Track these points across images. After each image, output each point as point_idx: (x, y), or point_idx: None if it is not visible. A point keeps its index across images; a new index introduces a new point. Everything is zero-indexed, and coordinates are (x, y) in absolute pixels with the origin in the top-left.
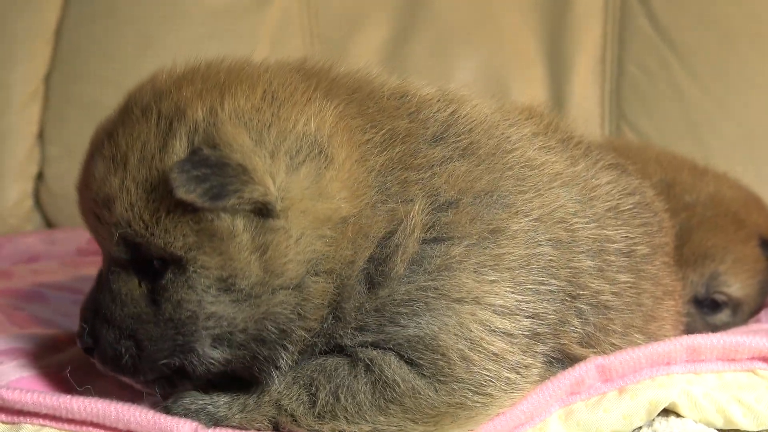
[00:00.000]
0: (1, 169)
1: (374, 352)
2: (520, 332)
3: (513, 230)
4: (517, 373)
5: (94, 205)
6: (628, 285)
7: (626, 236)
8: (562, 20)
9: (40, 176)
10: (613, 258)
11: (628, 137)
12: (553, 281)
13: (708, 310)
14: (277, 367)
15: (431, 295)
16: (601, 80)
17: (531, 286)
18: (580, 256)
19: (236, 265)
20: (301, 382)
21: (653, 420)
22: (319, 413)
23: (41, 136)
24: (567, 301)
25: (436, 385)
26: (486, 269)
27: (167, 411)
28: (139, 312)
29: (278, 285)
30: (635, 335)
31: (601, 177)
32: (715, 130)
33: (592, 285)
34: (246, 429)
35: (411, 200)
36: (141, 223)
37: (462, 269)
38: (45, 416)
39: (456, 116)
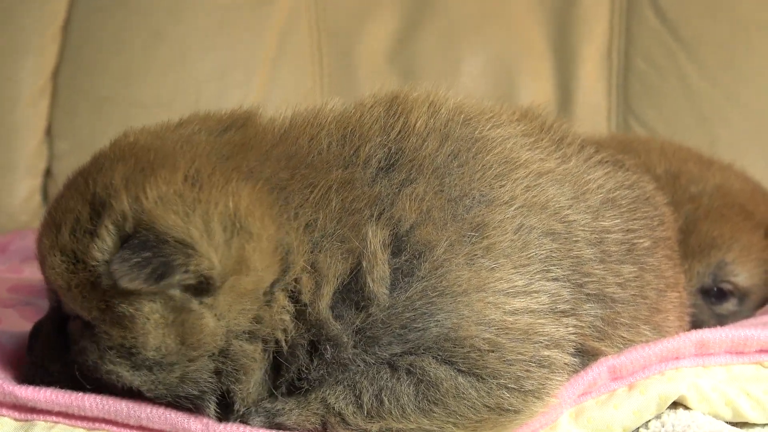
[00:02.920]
0: (10, 165)
1: (411, 357)
2: (542, 307)
3: (498, 220)
4: (555, 347)
5: (35, 252)
6: (633, 276)
7: (625, 228)
8: (568, 13)
9: (48, 172)
10: (613, 249)
11: (634, 131)
12: (557, 270)
13: (715, 300)
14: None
15: (432, 294)
16: (608, 73)
17: (536, 272)
18: (579, 245)
19: (140, 339)
20: (346, 383)
21: (662, 413)
22: (367, 414)
23: (50, 131)
24: (575, 289)
25: (476, 383)
26: (479, 258)
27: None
28: (51, 349)
29: (196, 356)
30: (641, 327)
31: (595, 172)
32: (723, 122)
33: (596, 272)
34: (296, 428)
35: (364, 238)
36: (58, 285)
37: (453, 263)
38: (58, 413)
39: (406, 131)
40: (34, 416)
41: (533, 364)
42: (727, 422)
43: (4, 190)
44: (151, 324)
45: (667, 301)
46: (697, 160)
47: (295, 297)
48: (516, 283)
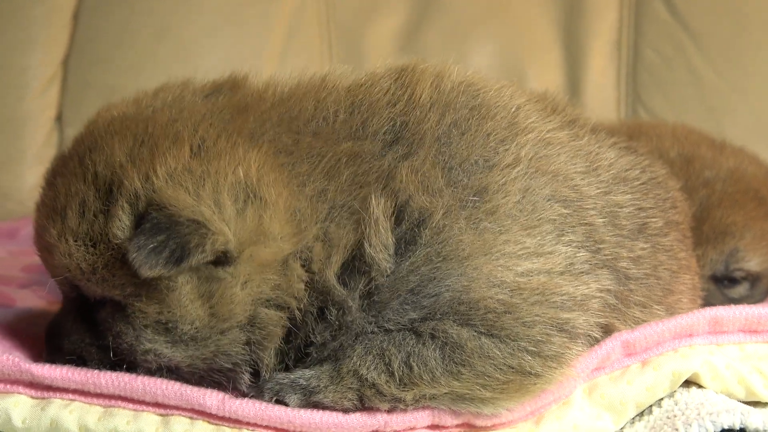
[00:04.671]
0: (20, 153)
1: (432, 322)
2: (557, 267)
3: (499, 183)
4: (577, 307)
5: (39, 248)
6: (646, 253)
7: (638, 206)
8: (577, 5)
9: None
10: (625, 223)
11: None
12: (570, 235)
13: (727, 283)
14: (252, 377)
15: (436, 260)
16: (617, 65)
17: (548, 233)
18: (590, 212)
19: (176, 312)
20: (375, 352)
21: (675, 391)
22: (399, 381)
23: (59, 119)
24: (591, 255)
25: (499, 344)
26: (482, 222)
27: (260, 390)
28: (82, 338)
29: (227, 327)
30: (655, 307)
31: (608, 152)
32: (731, 113)
33: (609, 239)
34: (336, 406)
35: (368, 208)
36: (79, 270)
37: (454, 228)
38: (74, 391)
39: (411, 105)
40: (51, 394)
41: (553, 328)
42: (740, 401)
43: (15, 177)
44: (186, 295)
45: (680, 283)
46: (710, 144)
47: (306, 266)
48: (526, 245)
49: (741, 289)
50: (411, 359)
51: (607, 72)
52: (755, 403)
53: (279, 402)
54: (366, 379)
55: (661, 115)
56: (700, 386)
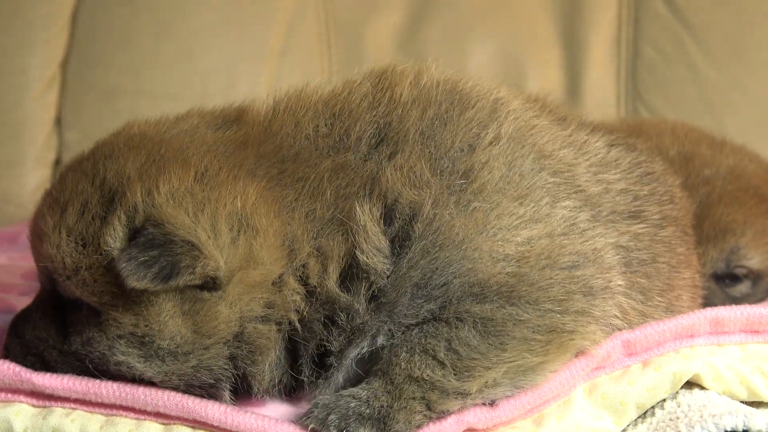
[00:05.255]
0: (20, 156)
1: (452, 308)
2: (558, 229)
3: (482, 161)
4: (590, 263)
5: (31, 233)
6: (645, 233)
7: (630, 191)
8: (577, 3)
9: (58, 162)
10: (619, 199)
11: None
12: (566, 201)
13: (729, 281)
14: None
15: (433, 251)
16: (617, 61)
17: (541, 199)
18: (583, 180)
19: (154, 327)
20: (417, 350)
21: (677, 393)
22: (455, 371)
23: (59, 122)
24: (593, 216)
25: (526, 307)
26: (471, 203)
27: (306, 419)
28: (47, 337)
29: (210, 343)
30: (656, 298)
31: (596, 143)
32: (731, 110)
33: (607, 204)
34: (411, 426)
35: (354, 216)
36: (62, 265)
37: (444, 216)
38: (75, 400)
39: (393, 104)
40: (52, 403)
41: (570, 286)
42: (742, 401)
43: (14, 181)
44: (166, 312)
45: (679, 279)
46: (710, 141)
47: (303, 280)
48: (520, 214)
49: (742, 288)
50: (453, 344)
51: (606, 69)
52: (758, 404)
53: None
54: (424, 379)
55: (661, 112)
56: (702, 387)
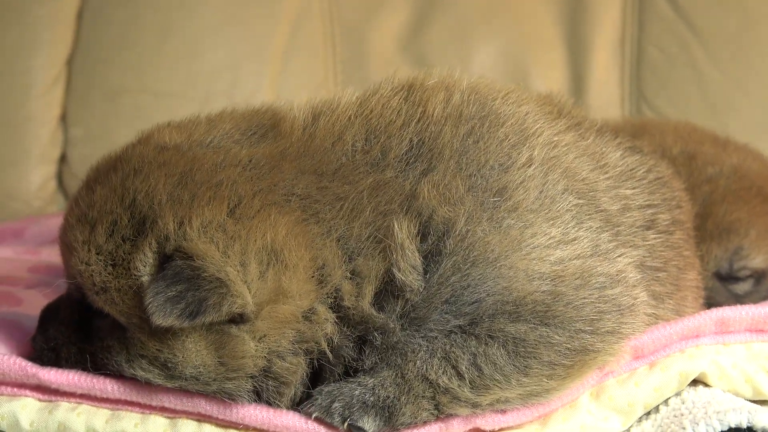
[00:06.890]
0: (25, 153)
1: (486, 324)
2: (586, 251)
3: (518, 181)
4: (616, 283)
5: (61, 242)
6: (658, 243)
7: (646, 202)
8: (580, 3)
9: (63, 159)
10: (636, 214)
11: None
12: (589, 222)
13: (732, 280)
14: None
15: (465, 267)
16: (621, 62)
17: (569, 222)
18: (603, 201)
19: (179, 355)
20: (439, 354)
21: (682, 390)
22: (471, 384)
23: (64, 118)
24: (613, 237)
25: (558, 329)
26: (505, 220)
27: (310, 407)
28: (69, 333)
29: (234, 376)
30: (667, 301)
31: (613, 152)
32: (734, 111)
33: (626, 221)
34: (416, 421)
35: (392, 234)
36: (91, 282)
37: (477, 232)
38: (81, 396)
39: (426, 121)
40: (58, 398)
41: (602, 306)
42: (747, 400)
43: (19, 176)
44: (193, 343)
45: (686, 280)
46: (713, 140)
47: (336, 305)
48: (552, 235)
49: (745, 286)
50: (478, 360)
51: (610, 70)
52: (762, 402)
53: (352, 427)
54: (438, 384)
55: (665, 112)
56: (707, 385)
